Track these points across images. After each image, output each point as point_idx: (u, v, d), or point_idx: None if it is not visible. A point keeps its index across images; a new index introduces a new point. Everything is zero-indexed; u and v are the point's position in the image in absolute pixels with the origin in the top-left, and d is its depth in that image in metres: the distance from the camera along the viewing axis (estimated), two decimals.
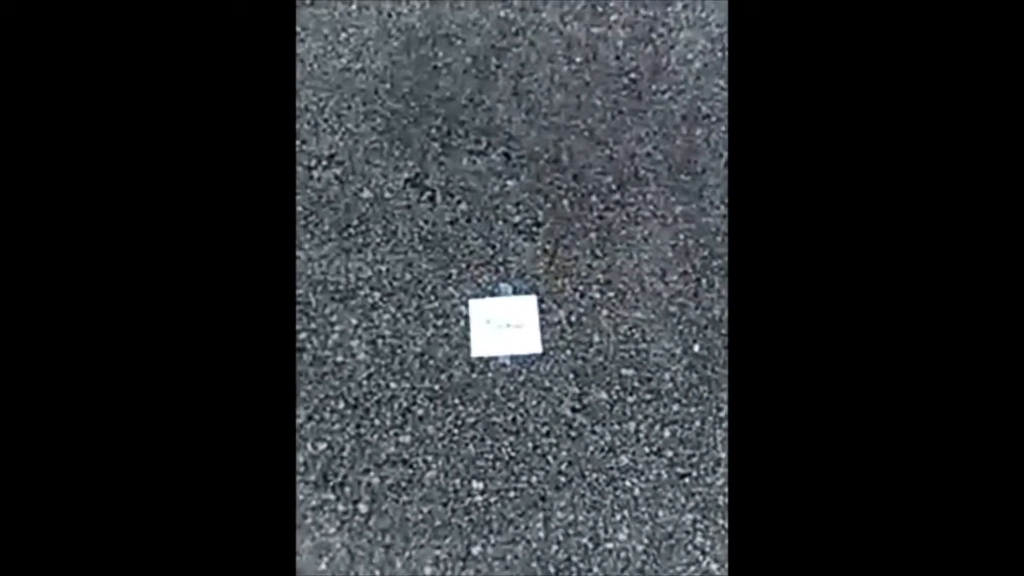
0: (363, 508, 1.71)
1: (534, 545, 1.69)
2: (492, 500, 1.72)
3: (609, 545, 1.69)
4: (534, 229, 2.04)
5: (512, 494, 1.72)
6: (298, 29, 2.30)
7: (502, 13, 2.32)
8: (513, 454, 1.76)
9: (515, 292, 1.95)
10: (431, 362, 1.88)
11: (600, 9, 2.33)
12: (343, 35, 2.29)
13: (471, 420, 1.81)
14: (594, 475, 1.73)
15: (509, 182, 2.10)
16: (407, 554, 1.68)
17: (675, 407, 1.79)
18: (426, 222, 2.05)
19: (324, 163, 2.13)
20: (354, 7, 2.33)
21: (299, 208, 2.07)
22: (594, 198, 2.07)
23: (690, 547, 1.69)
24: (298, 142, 2.16)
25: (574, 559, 1.68)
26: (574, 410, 1.80)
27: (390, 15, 2.31)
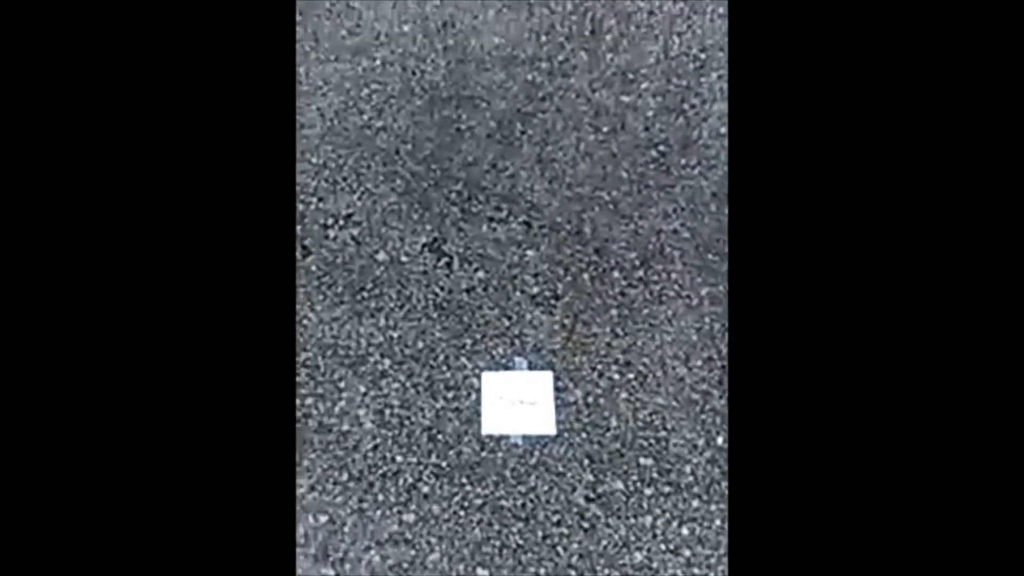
0: None
1: None
2: None
3: None
4: (552, 302, 1.99)
5: None
6: (320, 83, 2.27)
7: (529, 76, 2.29)
8: (521, 542, 1.69)
9: (530, 367, 1.90)
10: (439, 437, 1.82)
11: (631, 76, 2.30)
12: (365, 91, 2.27)
13: (478, 502, 1.74)
14: (607, 571, 1.66)
15: (529, 252, 2.05)
16: None
17: (695, 503, 1.72)
18: (442, 289, 2.00)
19: (341, 222, 2.09)
20: (378, 63, 2.30)
21: (312, 268, 2.02)
22: (616, 273, 2.02)
23: None
24: (315, 199, 2.12)
25: None
26: (588, 499, 1.74)
27: (414, 73, 2.29)
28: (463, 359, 1.92)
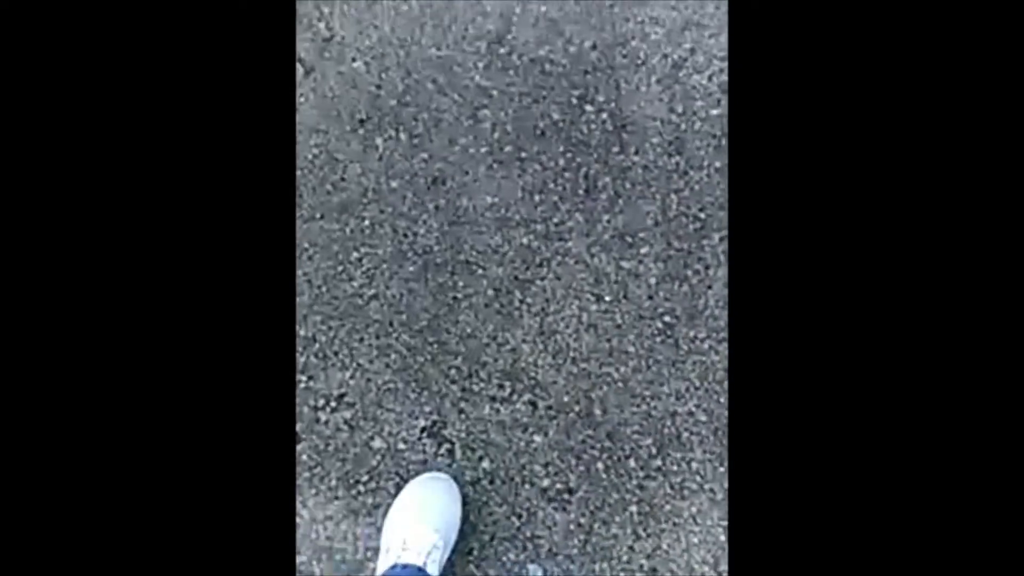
0: None
1: None
2: None
3: None
4: (566, 496, 1.84)
5: None
6: (307, 245, 2.10)
7: (525, 240, 2.17)
8: None
9: None
10: None
11: (630, 240, 2.19)
12: (355, 255, 2.11)
13: None
14: None
15: (536, 437, 1.91)
16: None
17: None
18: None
19: (333, 404, 1.91)
20: (367, 223, 2.15)
21: (303, 457, 1.83)
22: (632, 462, 1.89)
23: None
24: (304, 377, 1.94)
25: None
26: None
27: (406, 235, 2.14)
28: (471, 567, 1.75)
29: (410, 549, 1.63)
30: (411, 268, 2.14)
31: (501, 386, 1.98)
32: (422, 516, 1.73)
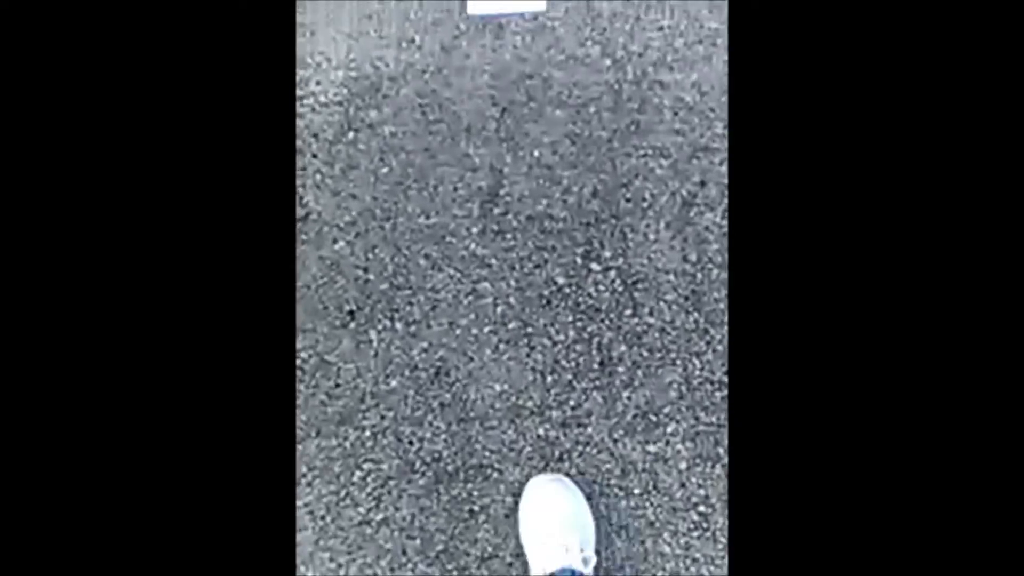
0: None
1: None
2: None
3: None
4: None
5: None
6: (304, 470, 1.99)
7: (541, 431, 2.05)
8: None
9: None
10: None
11: (654, 418, 2.07)
12: (359, 473, 2.00)
13: None
14: None
15: None
16: None
17: None
18: None
19: None
20: (368, 433, 2.04)
21: None
22: None
23: None
24: None
25: None
26: None
27: (411, 442, 2.03)
28: None
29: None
30: (421, 482, 2.03)
31: None
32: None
